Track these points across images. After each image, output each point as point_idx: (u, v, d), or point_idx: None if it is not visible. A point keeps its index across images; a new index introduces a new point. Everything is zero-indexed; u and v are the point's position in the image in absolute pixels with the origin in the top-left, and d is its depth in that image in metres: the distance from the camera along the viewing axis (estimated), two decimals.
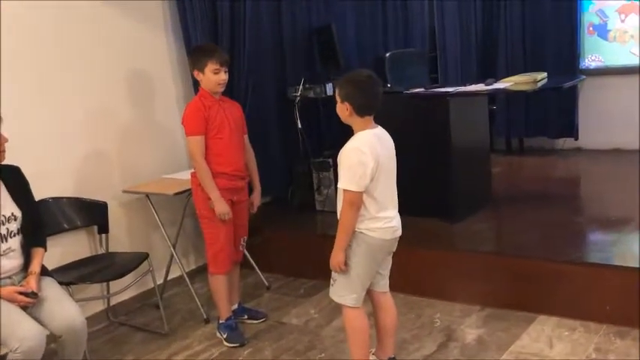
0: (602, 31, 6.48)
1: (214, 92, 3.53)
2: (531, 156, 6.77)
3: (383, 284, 3.00)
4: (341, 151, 2.75)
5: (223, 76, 3.50)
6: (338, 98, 2.78)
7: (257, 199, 3.82)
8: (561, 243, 3.93)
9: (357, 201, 2.70)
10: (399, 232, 2.89)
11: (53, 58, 3.82)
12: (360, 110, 2.73)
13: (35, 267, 2.99)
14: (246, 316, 3.92)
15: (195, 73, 3.53)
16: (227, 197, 3.55)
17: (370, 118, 2.78)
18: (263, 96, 4.99)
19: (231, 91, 4.33)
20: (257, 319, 3.92)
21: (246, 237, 3.84)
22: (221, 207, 3.49)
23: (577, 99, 6.53)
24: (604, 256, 3.72)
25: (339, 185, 2.73)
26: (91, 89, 4.02)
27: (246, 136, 3.75)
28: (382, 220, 2.78)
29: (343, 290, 2.87)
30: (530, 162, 6.62)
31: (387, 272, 3.00)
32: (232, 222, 3.60)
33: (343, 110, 2.76)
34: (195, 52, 3.64)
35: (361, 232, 2.78)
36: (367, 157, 2.66)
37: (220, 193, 3.49)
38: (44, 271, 3.07)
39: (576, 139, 6.62)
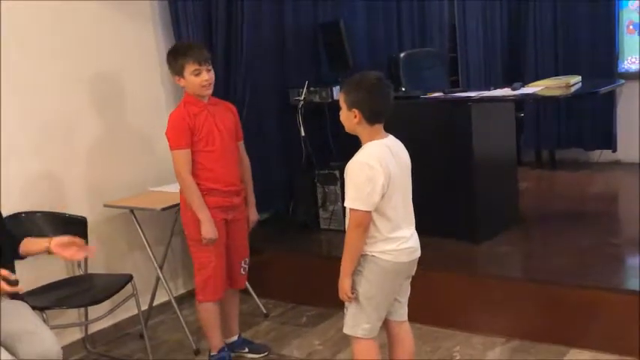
0: None
1: (201, 96, 3.55)
2: (563, 170, 6.79)
3: (402, 313, 3.01)
4: (347, 164, 2.77)
5: (206, 76, 3.50)
6: (344, 105, 2.80)
7: (252, 215, 3.83)
8: (597, 268, 3.94)
9: (364, 221, 2.72)
10: (418, 253, 2.91)
11: (36, 55, 3.86)
12: (371, 118, 2.76)
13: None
14: (247, 349, 3.93)
15: (177, 79, 3.55)
16: (220, 217, 3.56)
17: (380, 127, 2.81)
18: (262, 100, 5.02)
19: (226, 94, 4.39)
20: (259, 354, 3.92)
21: (247, 258, 3.84)
22: (209, 231, 3.48)
23: (615, 106, 6.57)
24: None
25: (345, 204, 2.76)
26: (71, 89, 4.07)
27: (241, 143, 3.76)
28: (397, 241, 2.80)
29: (355, 319, 2.88)
30: (562, 177, 6.64)
31: (405, 300, 3.01)
32: (225, 244, 3.62)
33: (350, 118, 2.78)
34: (169, 57, 3.61)
35: (373, 256, 2.79)
36: (376, 172, 2.68)
37: (212, 213, 3.50)
38: (15, 294, 3.01)
39: (614, 150, 6.66)
